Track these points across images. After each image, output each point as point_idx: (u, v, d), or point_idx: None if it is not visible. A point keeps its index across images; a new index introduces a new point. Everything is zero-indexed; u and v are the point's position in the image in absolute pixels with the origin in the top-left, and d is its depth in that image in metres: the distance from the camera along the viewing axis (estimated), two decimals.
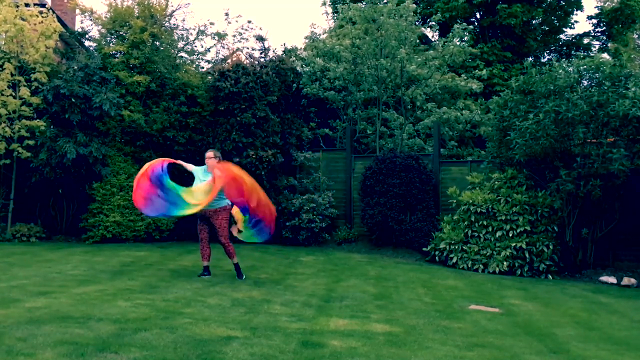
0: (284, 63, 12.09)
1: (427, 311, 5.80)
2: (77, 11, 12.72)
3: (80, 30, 12.98)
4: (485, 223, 9.38)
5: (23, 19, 10.85)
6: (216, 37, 13.10)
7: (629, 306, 6.89)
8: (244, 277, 7.12)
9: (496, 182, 9.73)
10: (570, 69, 9.32)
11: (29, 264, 7.66)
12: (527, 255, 8.92)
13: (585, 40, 20.65)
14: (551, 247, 8.92)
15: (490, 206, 9.40)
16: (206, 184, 6.87)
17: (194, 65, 13.04)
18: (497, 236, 9.22)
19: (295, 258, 9.48)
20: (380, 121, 12.82)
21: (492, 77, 16.82)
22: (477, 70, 14.15)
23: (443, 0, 18.50)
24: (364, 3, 15.12)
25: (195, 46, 12.96)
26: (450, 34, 13.04)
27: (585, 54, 19.78)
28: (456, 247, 9.48)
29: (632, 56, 20.88)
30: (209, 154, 7.26)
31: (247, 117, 11.06)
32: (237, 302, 5.68)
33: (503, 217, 9.23)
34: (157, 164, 6.84)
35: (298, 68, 12.97)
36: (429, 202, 10.79)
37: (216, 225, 7.00)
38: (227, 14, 15.27)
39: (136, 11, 11.67)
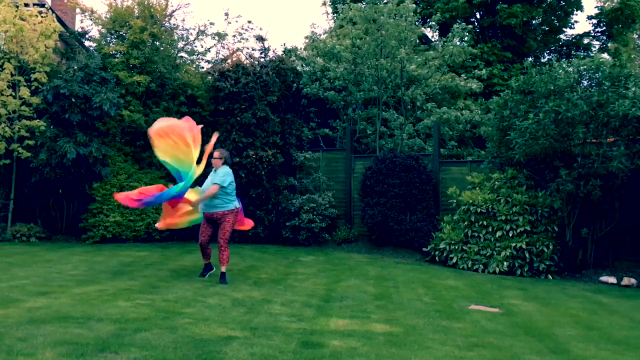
0: (284, 63, 12.09)
1: (427, 311, 5.80)
2: (77, 11, 12.73)
3: (80, 30, 12.98)
4: (485, 223, 9.38)
5: (22, 19, 10.85)
6: (216, 37, 13.10)
7: (629, 306, 6.88)
8: (227, 283, 6.75)
9: (496, 182, 9.73)
10: (570, 69, 9.30)
11: (29, 264, 7.67)
12: (527, 255, 8.91)
13: (585, 40, 20.62)
14: (551, 247, 8.92)
15: (490, 206, 9.40)
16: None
17: (194, 65, 13.04)
18: (497, 236, 9.22)
19: (295, 258, 9.48)
20: (380, 121, 12.82)
21: (492, 77, 16.81)
22: (477, 70, 14.12)
23: (443, 0, 18.48)
24: (364, 3, 15.13)
25: (195, 46, 12.98)
26: (450, 34, 13.02)
27: (585, 54, 19.74)
28: (456, 247, 9.47)
29: (632, 56, 20.90)
30: (216, 153, 6.96)
31: (247, 117, 11.06)
32: (237, 302, 5.68)
33: (503, 217, 9.23)
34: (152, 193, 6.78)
35: (298, 68, 12.96)
36: (429, 202, 10.79)
37: (221, 226, 6.81)
38: (227, 14, 15.33)
39: (136, 11, 11.68)
